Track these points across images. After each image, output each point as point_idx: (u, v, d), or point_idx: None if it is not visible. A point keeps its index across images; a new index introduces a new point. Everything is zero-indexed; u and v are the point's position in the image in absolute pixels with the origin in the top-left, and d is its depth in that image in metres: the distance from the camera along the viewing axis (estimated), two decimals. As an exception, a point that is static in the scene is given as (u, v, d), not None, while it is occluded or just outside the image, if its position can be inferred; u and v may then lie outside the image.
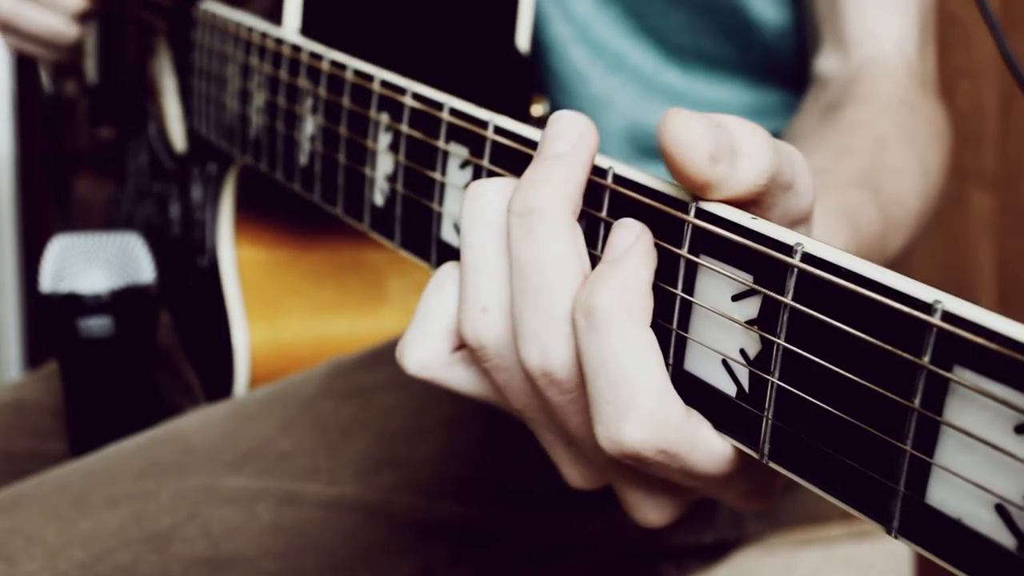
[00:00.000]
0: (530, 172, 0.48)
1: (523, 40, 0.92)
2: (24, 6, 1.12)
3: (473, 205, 0.50)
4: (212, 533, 0.79)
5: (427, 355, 0.52)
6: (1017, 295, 1.47)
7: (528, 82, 0.94)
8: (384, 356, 0.93)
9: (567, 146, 0.49)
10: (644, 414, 0.44)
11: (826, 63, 0.90)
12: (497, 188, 0.50)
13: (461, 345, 0.52)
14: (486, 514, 0.84)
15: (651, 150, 0.99)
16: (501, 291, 0.49)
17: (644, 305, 0.45)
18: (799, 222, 0.48)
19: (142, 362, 0.99)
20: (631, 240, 0.46)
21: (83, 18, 1.14)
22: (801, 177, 0.47)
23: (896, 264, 0.77)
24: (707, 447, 0.45)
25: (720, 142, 0.44)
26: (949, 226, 1.47)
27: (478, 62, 0.91)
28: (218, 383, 1.00)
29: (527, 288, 0.47)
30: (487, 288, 0.49)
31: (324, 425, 0.86)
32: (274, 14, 0.89)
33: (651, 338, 0.45)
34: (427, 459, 0.84)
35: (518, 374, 0.49)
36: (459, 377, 0.52)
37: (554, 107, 0.98)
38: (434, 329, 0.52)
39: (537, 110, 0.93)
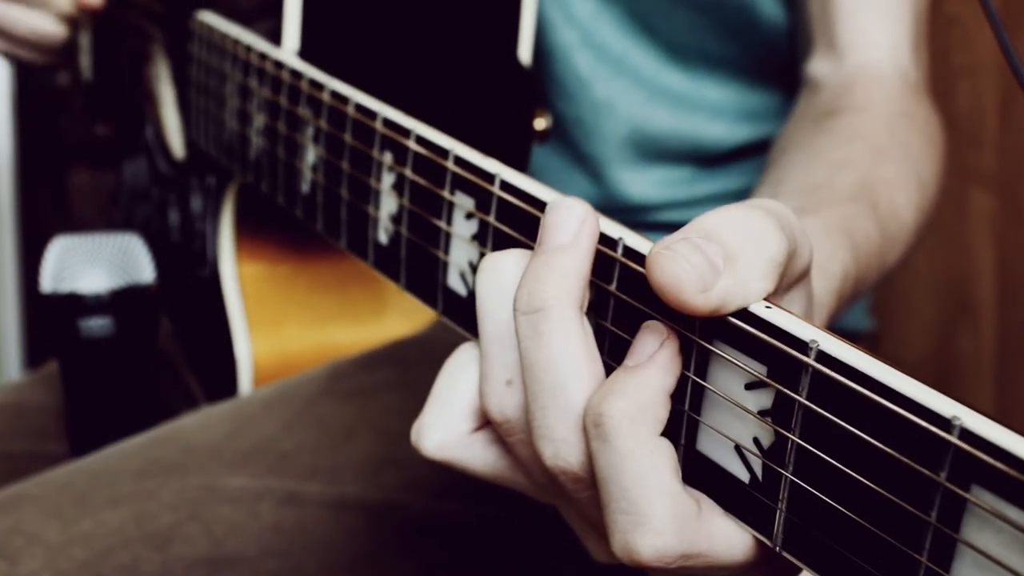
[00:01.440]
0: (533, 267, 0.48)
1: (525, 52, 0.91)
2: (13, 7, 1.09)
3: (488, 278, 0.50)
4: (213, 533, 0.78)
5: (446, 436, 0.52)
6: (1017, 295, 1.47)
7: (531, 95, 0.93)
8: (385, 357, 0.93)
9: (568, 237, 0.48)
10: (659, 523, 0.43)
11: (818, 67, 0.90)
12: (512, 260, 0.50)
13: (481, 426, 0.52)
14: (487, 514, 0.84)
15: (652, 153, 0.99)
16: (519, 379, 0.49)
17: (656, 415, 0.45)
18: (799, 279, 0.48)
19: (142, 362, 0.99)
20: (654, 348, 0.45)
21: (73, 22, 1.13)
22: (801, 238, 0.47)
23: (895, 267, 0.77)
24: (726, 540, 0.45)
25: (712, 261, 0.43)
26: (949, 226, 1.47)
27: (480, 76, 0.91)
28: (221, 394, 1.00)
29: (537, 386, 0.47)
30: (510, 360, 0.49)
31: (325, 425, 0.86)
32: (273, 30, 0.87)
33: (663, 446, 0.44)
34: (428, 459, 0.84)
35: None
36: (479, 457, 0.52)
37: (556, 115, 0.98)
38: (453, 409, 0.52)
39: (540, 123, 0.93)
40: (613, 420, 0.44)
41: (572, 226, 0.48)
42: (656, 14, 0.95)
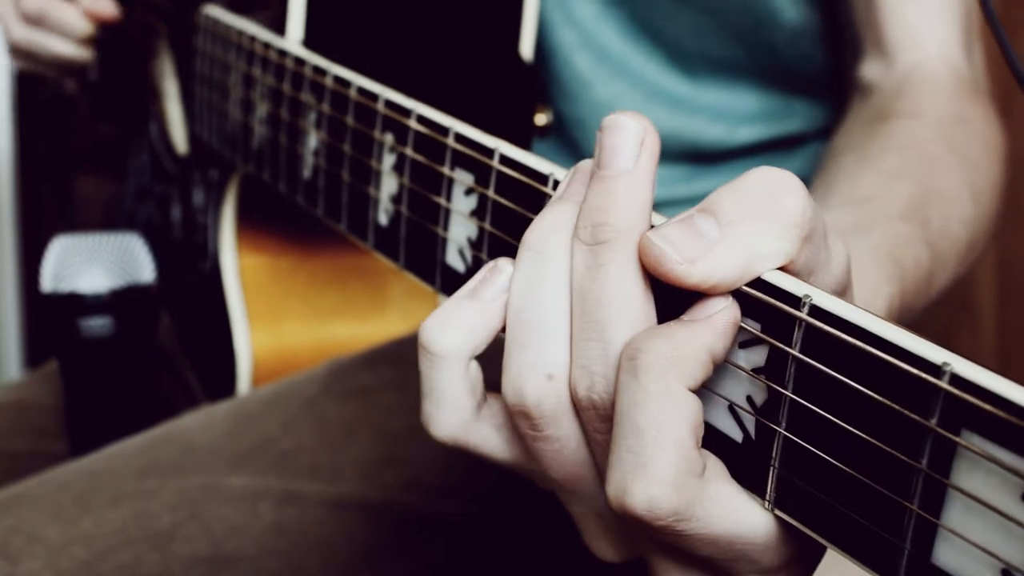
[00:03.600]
0: (594, 194, 0.46)
1: (527, 48, 0.91)
2: (39, 34, 1.15)
3: (534, 261, 0.47)
4: (214, 532, 0.79)
5: (453, 417, 0.50)
6: (1017, 295, 1.47)
7: (532, 91, 0.93)
8: (385, 356, 0.93)
9: (628, 160, 0.46)
10: (662, 471, 0.42)
11: (869, 70, 0.88)
12: (561, 244, 0.47)
13: (483, 401, 0.50)
14: (488, 513, 0.84)
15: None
16: (568, 355, 0.47)
17: (692, 371, 0.43)
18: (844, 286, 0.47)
19: (142, 362, 0.99)
20: (714, 310, 0.44)
21: (92, 42, 1.16)
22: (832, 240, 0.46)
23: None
24: (725, 508, 0.44)
25: (699, 231, 0.43)
26: (949, 226, 1.47)
27: (482, 71, 0.91)
28: (220, 388, 1.00)
29: (586, 319, 0.45)
30: (554, 353, 0.47)
31: (326, 424, 0.86)
32: (278, 22, 0.88)
33: (690, 401, 0.43)
34: (429, 458, 0.84)
35: (570, 441, 0.47)
36: (490, 440, 0.50)
37: (557, 114, 0.98)
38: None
39: (541, 119, 0.93)
40: (648, 358, 0.42)
41: (631, 148, 0.46)
42: (659, 17, 0.95)
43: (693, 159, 0.99)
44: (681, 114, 0.97)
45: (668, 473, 0.42)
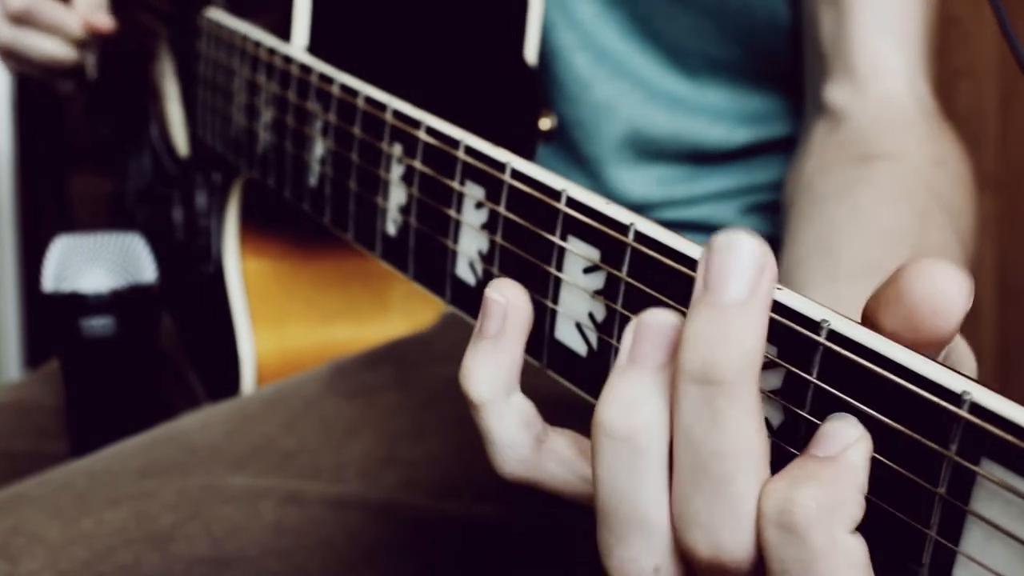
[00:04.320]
0: (702, 324, 0.39)
1: (531, 53, 0.91)
2: (25, 33, 1.12)
3: (620, 451, 0.42)
4: (214, 532, 0.79)
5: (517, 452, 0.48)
6: (1017, 296, 1.47)
7: (537, 95, 0.93)
8: (387, 356, 0.93)
9: (744, 288, 0.39)
10: None
11: (837, 94, 0.88)
12: (650, 425, 0.41)
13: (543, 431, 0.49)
14: (490, 514, 0.84)
15: (650, 153, 0.99)
16: (671, 547, 0.42)
17: (853, 512, 0.39)
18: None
19: (144, 362, 0.99)
20: (848, 440, 0.39)
21: (83, 44, 1.14)
22: None
23: None
24: None
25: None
26: (949, 226, 1.47)
27: (487, 76, 0.91)
28: (224, 390, 1.00)
29: (702, 475, 0.40)
30: (659, 544, 0.42)
31: (327, 424, 0.86)
32: (281, 25, 0.88)
33: (861, 547, 0.39)
34: (431, 458, 0.84)
35: None
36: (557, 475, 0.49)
37: (558, 115, 0.98)
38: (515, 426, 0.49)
39: (545, 123, 0.93)
40: (806, 511, 0.38)
41: (750, 273, 0.39)
42: (658, 18, 0.95)
43: (694, 159, 0.99)
44: (681, 114, 0.97)
45: None
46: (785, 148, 1.00)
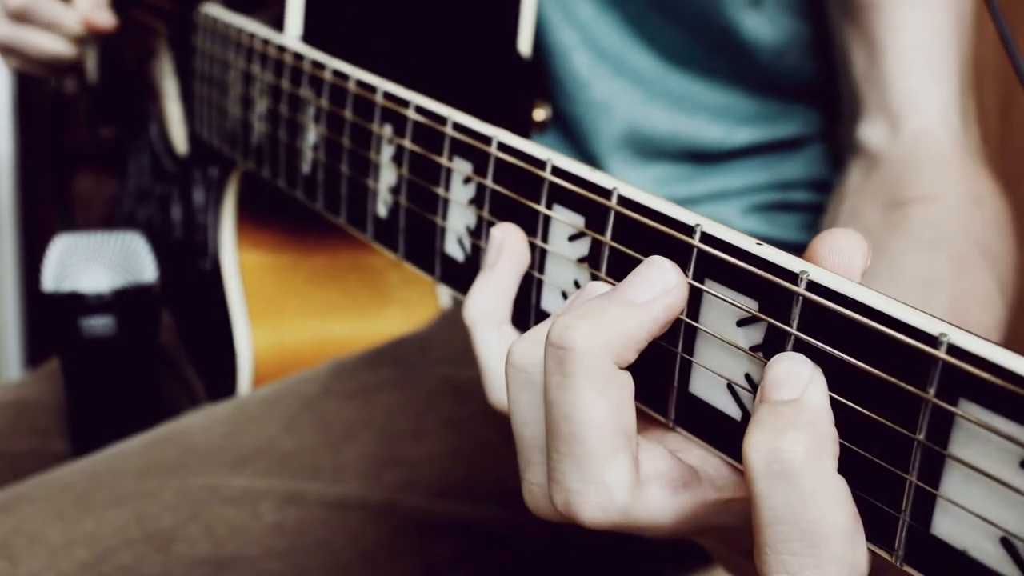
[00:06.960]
0: (591, 303, 0.46)
1: (525, 44, 0.92)
2: (23, 30, 1.12)
3: (523, 377, 0.48)
4: (215, 533, 0.79)
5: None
6: (1018, 296, 1.47)
7: (530, 86, 0.94)
8: (386, 356, 0.93)
9: (646, 296, 0.45)
10: (839, 566, 0.40)
11: (872, 133, 0.87)
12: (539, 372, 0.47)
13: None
14: (488, 514, 0.84)
15: (648, 151, 0.99)
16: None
17: (833, 448, 0.40)
18: None
19: (144, 361, 0.99)
20: (806, 376, 0.41)
21: (83, 41, 1.14)
22: None
23: None
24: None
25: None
26: (949, 226, 1.47)
27: (480, 67, 0.91)
28: (221, 385, 1.00)
29: (555, 433, 0.45)
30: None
31: (327, 425, 0.86)
32: (277, 21, 0.88)
33: (843, 482, 0.40)
34: (430, 459, 0.84)
35: None
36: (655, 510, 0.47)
37: (557, 113, 0.98)
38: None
39: (539, 115, 0.93)
40: (796, 455, 0.40)
41: (654, 290, 0.45)
42: (652, 24, 0.95)
43: (694, 159, 0.99)
44: (680, 113, 0.97)
45: (844, 560, 0.40)
46: (787, 148, 1.00)
